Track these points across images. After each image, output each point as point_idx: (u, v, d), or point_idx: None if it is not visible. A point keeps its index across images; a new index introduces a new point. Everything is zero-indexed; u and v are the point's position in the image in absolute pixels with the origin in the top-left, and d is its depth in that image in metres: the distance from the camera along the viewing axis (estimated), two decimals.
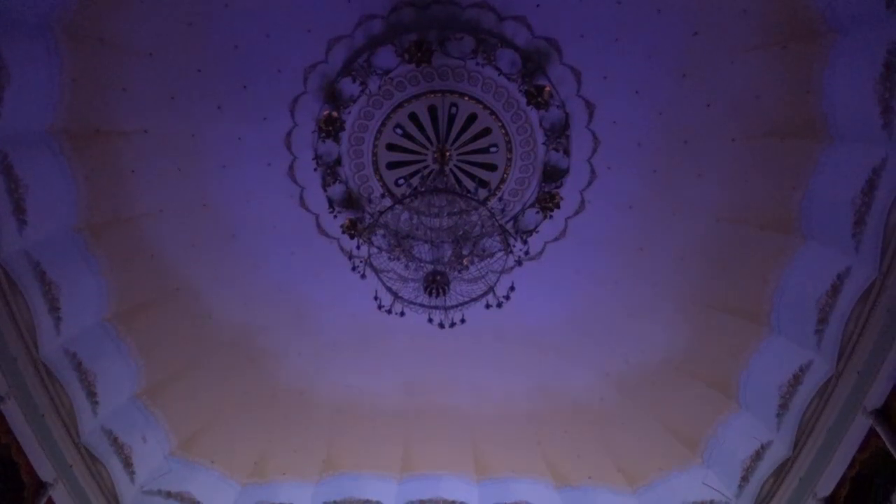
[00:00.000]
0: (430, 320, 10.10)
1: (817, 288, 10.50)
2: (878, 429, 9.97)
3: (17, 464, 10.63)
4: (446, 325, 10.03)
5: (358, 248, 10.33)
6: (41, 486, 10.98)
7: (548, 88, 10.13)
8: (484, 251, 10.21)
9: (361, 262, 10.08)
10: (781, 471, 12.07)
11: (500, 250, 10.21)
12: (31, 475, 10.84)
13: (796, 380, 11.34)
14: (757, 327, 11.42)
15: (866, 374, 10.16)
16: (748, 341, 11.62)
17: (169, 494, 13.64)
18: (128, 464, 12.86)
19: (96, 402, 11.91)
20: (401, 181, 11.18)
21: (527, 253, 10.97)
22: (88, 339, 11.38)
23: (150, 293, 11.60)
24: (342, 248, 11.69)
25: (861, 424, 10.29)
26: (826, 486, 11.02)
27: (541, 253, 11.74)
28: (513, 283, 10.08)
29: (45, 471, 11.01)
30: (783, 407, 11.73)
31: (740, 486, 13.01)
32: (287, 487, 14.33)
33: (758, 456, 12.49)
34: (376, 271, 10.10)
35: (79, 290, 10.88)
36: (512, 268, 10.47)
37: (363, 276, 10.04)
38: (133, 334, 11.78)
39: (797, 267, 10.64)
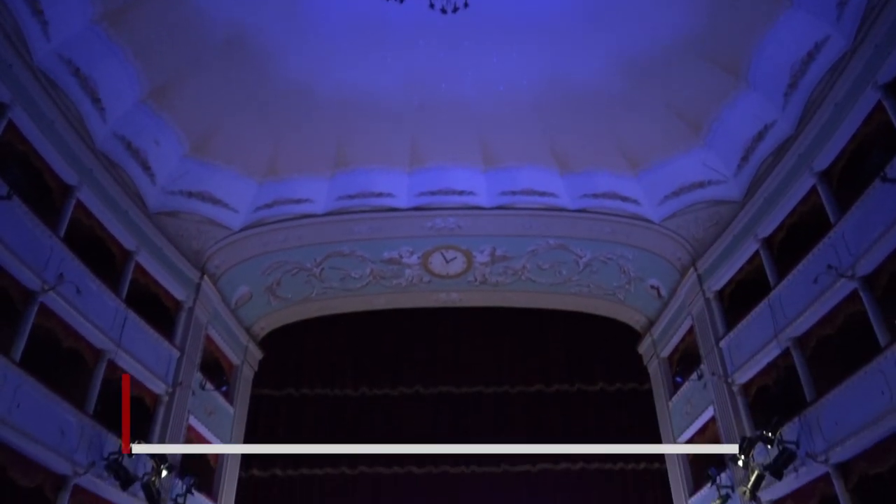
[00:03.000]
0: (432, 5, 9.64)
1: None
2: (886, 102, 9.97)
3: (39, 169, 11.00)
4: (448, 10, 9.59)
5: None
6: (67, 189, 11.50)
7: None
8: None
9: None
10: (782, 149, 12.36)
11: None
12: (55, 179, 11.29)
13: (810, 57, 11.09)
14: (775, 1, 10.82)
15: (884, 47, 9.89)
16: (764, 16, 11.09)
17: (190, 194, 14.30)
18: (146, 167, 13.31)
19: (102, 109, 11.99)
20: None
21: None
22: (80, 43, 11.11)
23: None
24: None
25: (869, 98, 10.26)
26: (824, 160, 11.33)
27: None
28: None
29: (67, 175, 11.45)
30: (792, 86, 11.63)
31: (739, 166, 13.43)
32: (302, 184, 14.93)
33: (760, 136, 12.70)
34: None
35: None
36: None
37: None
38: (124, 36, 11.42)
39: None
